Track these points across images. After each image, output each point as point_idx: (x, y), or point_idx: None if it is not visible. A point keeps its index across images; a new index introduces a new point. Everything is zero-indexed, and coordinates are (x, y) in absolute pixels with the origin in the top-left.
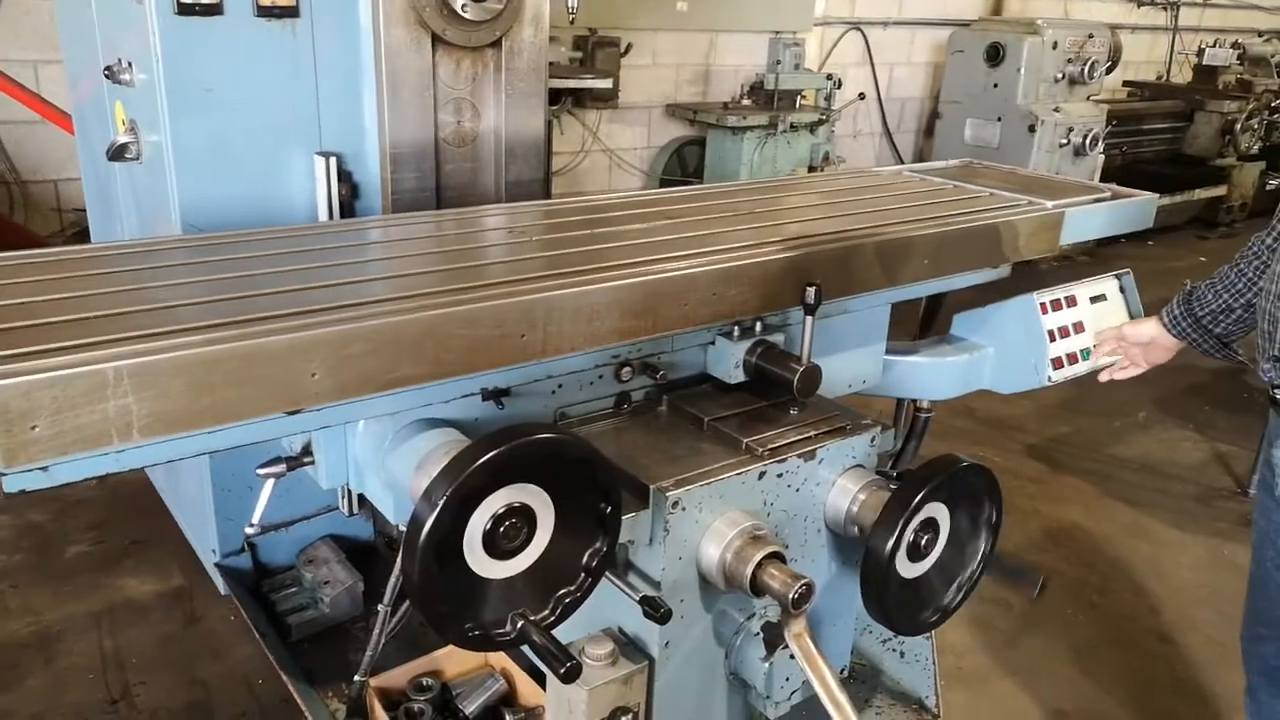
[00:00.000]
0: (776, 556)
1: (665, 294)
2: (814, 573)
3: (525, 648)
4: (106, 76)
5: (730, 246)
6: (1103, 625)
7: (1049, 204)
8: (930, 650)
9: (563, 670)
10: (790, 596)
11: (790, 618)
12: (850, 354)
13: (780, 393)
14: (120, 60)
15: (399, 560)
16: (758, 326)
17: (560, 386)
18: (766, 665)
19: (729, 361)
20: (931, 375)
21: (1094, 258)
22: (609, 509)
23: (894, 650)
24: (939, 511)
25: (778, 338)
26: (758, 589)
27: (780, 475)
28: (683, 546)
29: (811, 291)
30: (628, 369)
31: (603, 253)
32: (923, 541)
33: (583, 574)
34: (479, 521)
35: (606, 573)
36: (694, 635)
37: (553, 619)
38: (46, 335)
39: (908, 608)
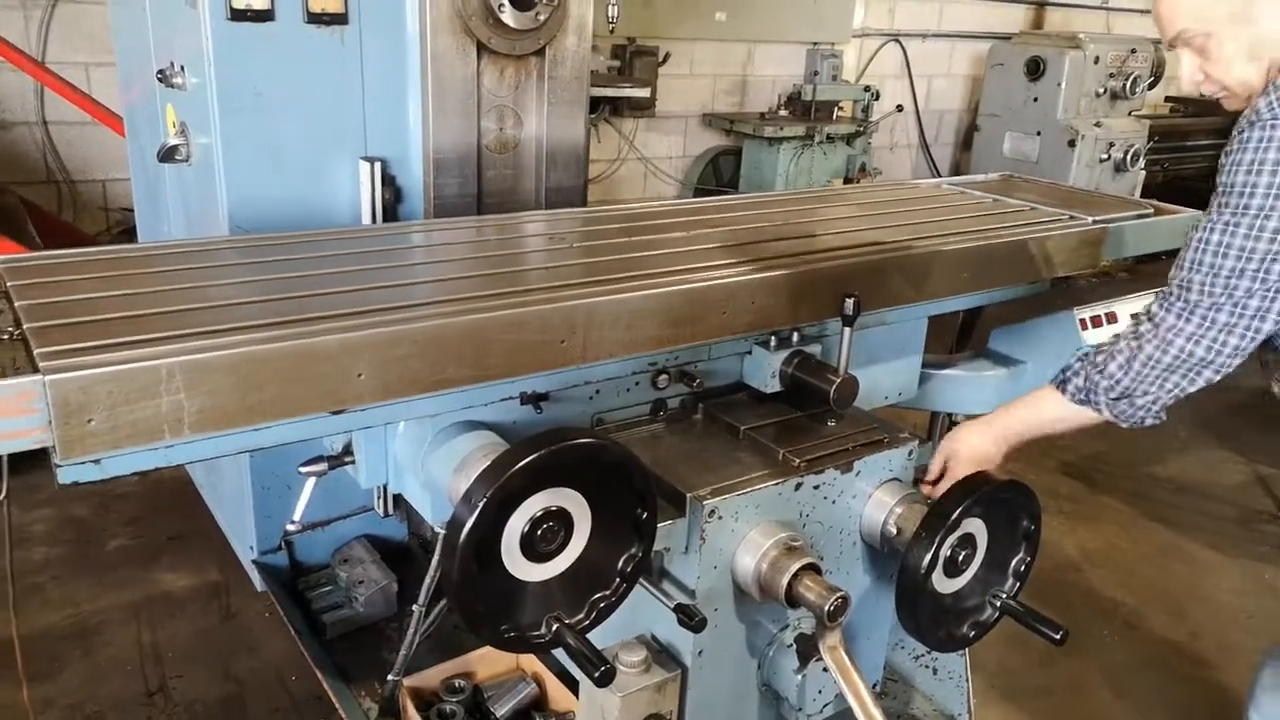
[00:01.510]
0: (812, 568)
1: (704, 302)
2: (848, 585)
3: (559, 651)
4: (159, 80)
5: (769, 256)
6: (1139, 647)
7: (1090, 219)
8: (964, 667)
9: (597, 674)
10: (826, 609)
11: (825, 630)
12: (887, 366)
13: (816, 404)
14: (173, 64)
15: (435, 560)
16: (795, 337)
17: (598, 392)
18: (799, 677)
19: (765, 371)
20: (968, 389)
21: (1134, 274)
22: (645, 515)
23: (927, 667)
24: (976, 527)
25: (814, 348)
26: (793, 600)
27: (817, 487)
28: (718, 555)
29: (850, 303)
30: (664, 376)
31: (643, 260)
32: (960, 557)
33: (618, 579)
34: (517, 524)
35: (641, 579)
36: (727, 644)
37: (587, 623)
38: (103, 331)
39: (943, 624)
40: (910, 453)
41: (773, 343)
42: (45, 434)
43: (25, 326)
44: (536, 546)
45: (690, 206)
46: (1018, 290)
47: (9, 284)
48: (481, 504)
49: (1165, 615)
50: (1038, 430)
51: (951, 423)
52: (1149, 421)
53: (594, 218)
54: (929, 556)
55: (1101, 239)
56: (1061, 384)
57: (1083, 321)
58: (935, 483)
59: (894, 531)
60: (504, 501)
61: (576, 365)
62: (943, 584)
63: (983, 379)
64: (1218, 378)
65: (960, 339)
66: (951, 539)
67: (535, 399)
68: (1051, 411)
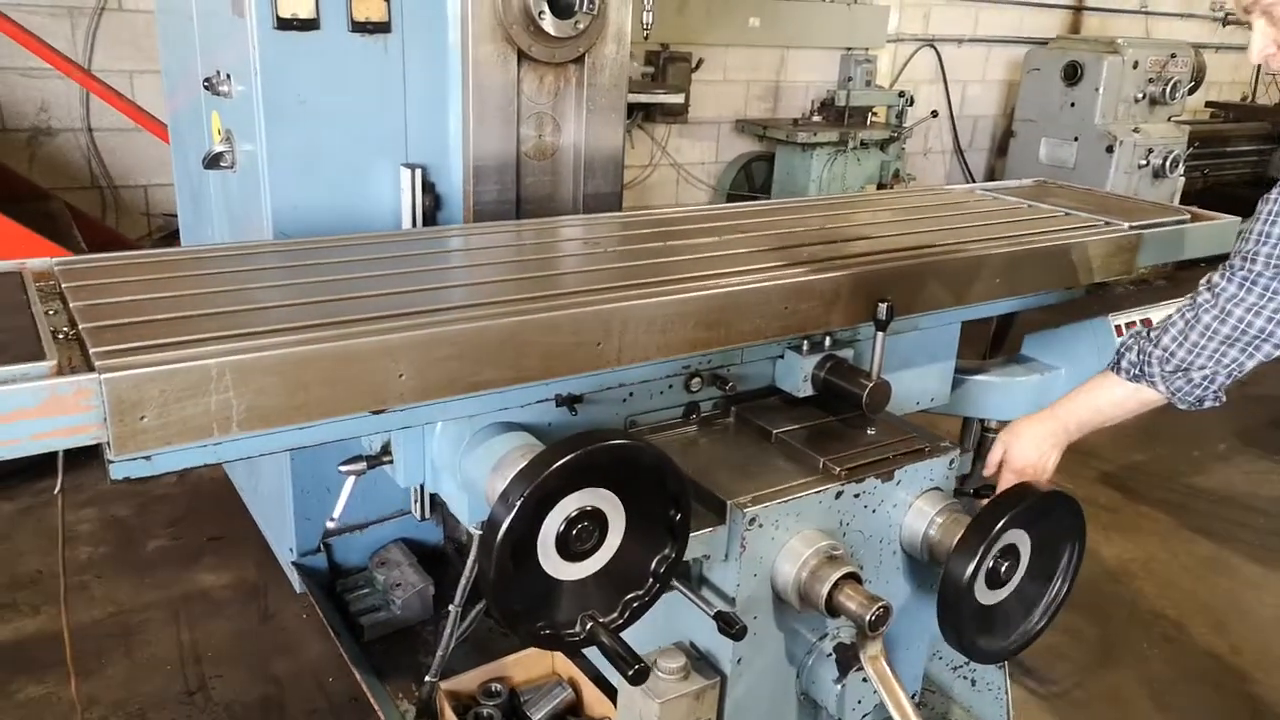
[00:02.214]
0: (853, 577)
1: (738, 307)
2: (889, 595)
3: (594, 653)
4: (205, 87)
5: (802, 261)
6: (1180, 661)
7: (1126, 225)
8: (1003, 679)
9: (631, 672)
10: (868, 618)
11: (866, 640)
12: (919, 371)
13: (847, 408)
14: (219, 72)
15: (470, 560)
16: (827, 341)
17: (631, 395)
18: (839, 687)
19: (797, 375)
20: (1002, 395)
21: (1170, 281)
22: (678, 516)
23: (965, 678)
24: (1020, 539)
25: (847, 353)
26: (833, 609)
27: (857, 495)
28: (758, 564)
29: (884, 308)
30: (697, 380)
31: (677, 265)
32: (1002, 569)
33: (651, 579)
34: (553, 523)
35: (680, 586)
36: (766, 653)
37: (621, 622)
38: (155, 331)
39: (986, 635)
40: (951, 462)
41: (805, 347)
42: (101, 430)
43: (81, 326)
44: (571, 546)
45: (723, 212)
46: (1052, 296)
47: (63, 285)
48: (519, 502)
49: (1206, 628)
50: (1098, 417)
51: (984, 429)
52: (1208, 403)
53: (629, 223)
54: (972, 568)
55: (1137, 245)
56: (1115, 362)
57: (1118, 328)
58: (990, 488)
59: (935, 542)
60: (541, 500)
61: (611, 368)
62: (985, 596)
63: (1016, 384)
64: (1277, 353)
65: (994, 344)
66: (994, 550)
67: (570, 401)
68: (1109, 394)
